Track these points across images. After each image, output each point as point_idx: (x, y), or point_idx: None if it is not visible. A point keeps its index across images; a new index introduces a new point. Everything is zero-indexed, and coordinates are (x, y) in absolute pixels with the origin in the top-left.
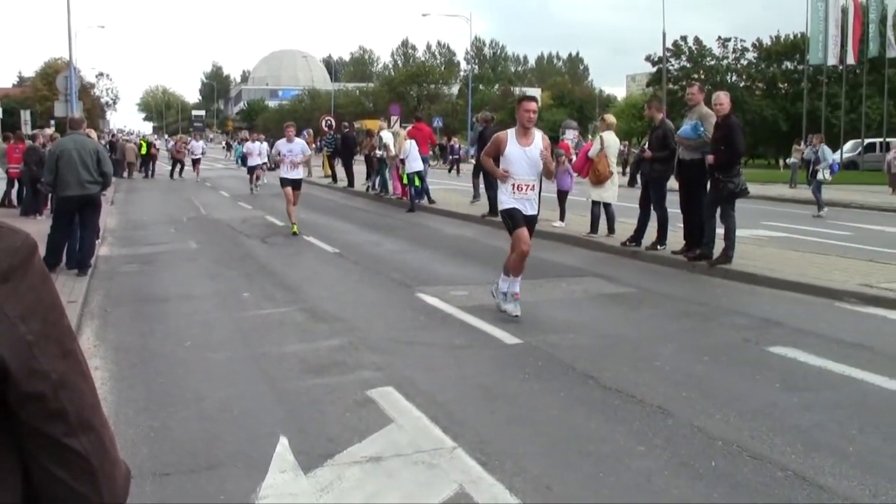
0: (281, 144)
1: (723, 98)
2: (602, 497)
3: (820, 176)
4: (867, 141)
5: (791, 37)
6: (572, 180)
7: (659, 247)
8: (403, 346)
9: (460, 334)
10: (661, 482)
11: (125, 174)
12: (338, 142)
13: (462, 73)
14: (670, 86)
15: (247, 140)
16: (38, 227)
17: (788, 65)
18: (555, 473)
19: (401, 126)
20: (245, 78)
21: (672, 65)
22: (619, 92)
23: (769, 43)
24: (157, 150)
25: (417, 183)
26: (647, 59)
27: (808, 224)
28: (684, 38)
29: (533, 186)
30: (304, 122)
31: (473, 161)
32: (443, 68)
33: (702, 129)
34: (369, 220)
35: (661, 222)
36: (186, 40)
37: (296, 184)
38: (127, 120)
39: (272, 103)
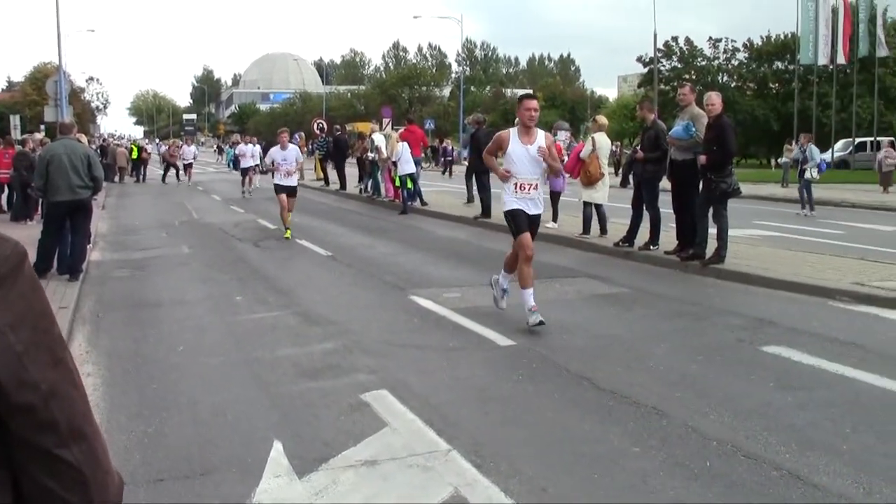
0: (275, 152)
1: (714, 98)
2: (597, 498)
3: (808, 175)
4: (858, 140)
5: (781, 37)
6: (565, 181)
7: (652, 247)
8: (397, 349)
9: (454, 336)
10: (657, 483)
11: (116, 179)
12: (329, 145)
13: (453, 75)
14: (662, 86)
15: (238, 143)
16: (29, 233)
17: (779, 65)
18: (550, 475)
19: (392, 128)
20: (236, 81)
21: (663, 65)
22: (611, 93)
23: (760, 43)
24: (149, 154)
25: (410, 185)
26: (639, 59)
27: (800, 223)
28: (675, 39)
29: (536, 185)
30: (296, 126)
31: (466, 163)
32: (434, 70)
33: (693, 129)
34: (362, 223)
35: (654, 223)
36: (177, 44)
37: (291, 191)
38: (118, 124)
39: (263, 107)
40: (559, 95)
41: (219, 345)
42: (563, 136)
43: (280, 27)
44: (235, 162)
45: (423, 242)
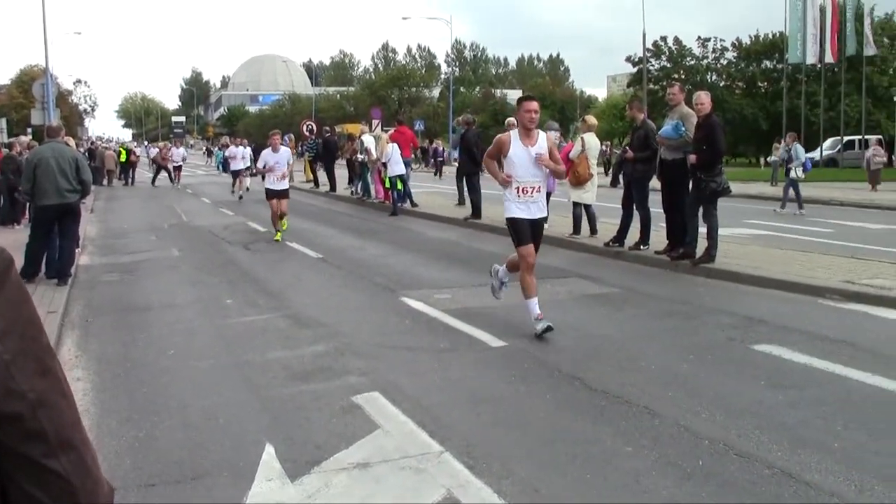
0: (267, 155)
1: (704, 98)
2: (590, 498)
3: (793, 174)
4: (846, 138)
5: (770, 36)
6: (555, 182)
7: (642, 247)
8: (388, 351)
9: (445, 338)
10: (649, 482)
11: (105, 182)
12: (319, 146)
13: (443, 76)
14: (651, 86)
15: (228, 146)
16: (17, 237)
17: (768, 64)
18: (542, 476)
19: (382, 130)
20: (225, 83)
21: (652, 65)
22: (600, 93)
23: (748, 42)
24: (137, 157)
25: (400, 186)
26: (628, 59)
27: (790, 222)
28: (664, 39)
29: (539, 188)
30: (286, 127)
31: (457, 164)
32: (423, 71)
33: (683, 128)
34: (352, 225)
35: (644, 222)
36: (165, 46)
37: (283, 194)
38: (106, 127)
39: (253, 108)
40: (549, 96)
41: (209, 348)
42: (553, 136)
43: (269, 28)
44: (225, 164)
45: (413, 244)
